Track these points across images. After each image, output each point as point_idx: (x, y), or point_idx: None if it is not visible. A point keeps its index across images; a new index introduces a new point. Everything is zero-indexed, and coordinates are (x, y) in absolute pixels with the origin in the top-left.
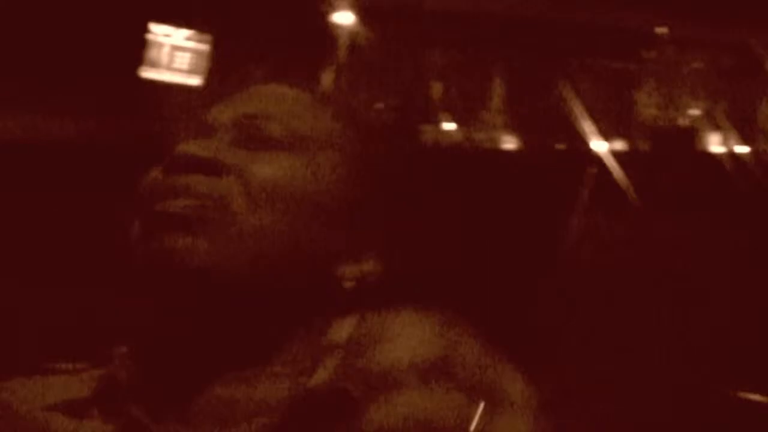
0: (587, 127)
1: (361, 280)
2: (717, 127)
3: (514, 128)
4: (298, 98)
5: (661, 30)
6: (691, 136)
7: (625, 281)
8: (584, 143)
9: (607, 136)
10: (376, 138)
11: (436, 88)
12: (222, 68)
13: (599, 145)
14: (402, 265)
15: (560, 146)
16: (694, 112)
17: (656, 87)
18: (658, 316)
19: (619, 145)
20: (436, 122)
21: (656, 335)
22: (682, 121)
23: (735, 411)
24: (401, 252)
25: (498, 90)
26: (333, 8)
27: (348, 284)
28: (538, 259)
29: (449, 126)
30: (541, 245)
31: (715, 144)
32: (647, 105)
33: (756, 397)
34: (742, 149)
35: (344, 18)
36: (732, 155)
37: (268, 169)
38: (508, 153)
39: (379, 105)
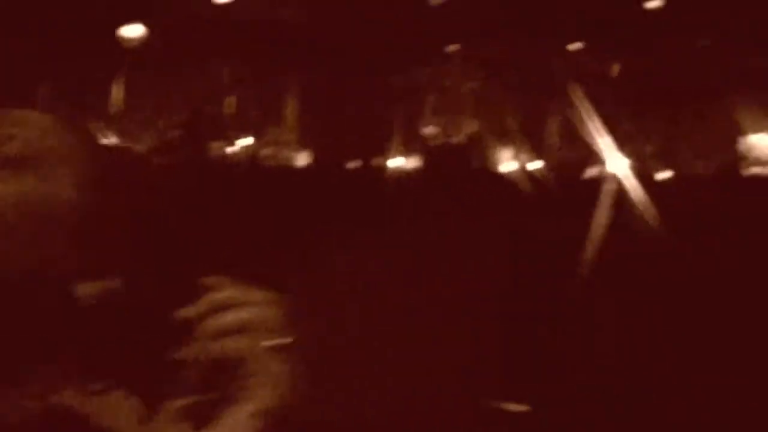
0: (384, 143)
1: (103, 298)
2: (508, 143)
3: (307, 145)
4: (38, 120)
5: (453, 48)
6: (473, 152)
7: (402, 295)
8: (382, 160)
9: (399, 152)
10: (114, 157)
11: (230, 103)
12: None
13: (396, 162)
14: (149, 283)
15: (354, 164)
16: (476, 128)
17: (440, 104)
18: (424, 327)
19: (412, 162)
20: (229, 138)
21: (418, 347)
22: (463, 138)
23: (491, 420)
24: (149, 269)
25: (292, 105)
26: (121, 20)
27: (87, 302)
28: (316, 275)
29: (243, 142)
30: (323, 261)
31: (506, 159)
32: (431, 122)
33: (513, 406)
34: (534, 164)
35: (133, 31)
36: (523, 170)
37: (3, 187)
38: (300, 170)
39: (163, 122)
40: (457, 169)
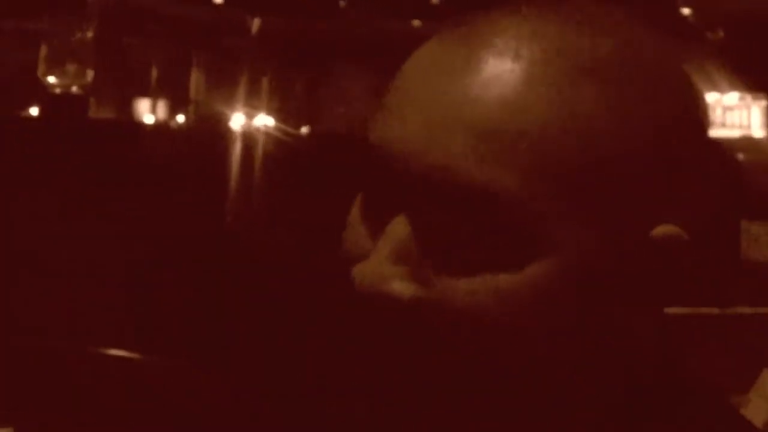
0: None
1: None
2: (145, 95)
3: None
4: None
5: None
6: (86, 104)
7: None
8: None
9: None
10: None
11: None
12: None
13: (27, 111)
14: None
15: None
16: (98, 78)
17: (53, 54)
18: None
19: (35, 110)
20: None
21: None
22: (83, 88)
23: (103, 367)
24: None
25: None
26: None
27: None
28: None
29: None
30: None
31: (146, 113)
32: (45, 72)
33: (122, 353)
34: (180, 119)
35: None
36: (164, 122)
37: None
38: None
39: None
40: (76, 119)
